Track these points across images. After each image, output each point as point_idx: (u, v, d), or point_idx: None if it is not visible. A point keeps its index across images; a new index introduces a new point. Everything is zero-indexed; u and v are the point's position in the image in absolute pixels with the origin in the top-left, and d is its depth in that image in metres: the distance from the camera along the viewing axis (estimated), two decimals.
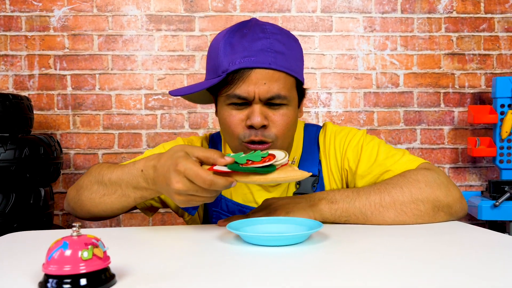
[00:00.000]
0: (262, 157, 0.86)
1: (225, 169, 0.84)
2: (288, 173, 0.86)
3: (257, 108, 1.02)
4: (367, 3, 2.65)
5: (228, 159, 0.84)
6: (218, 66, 1.03)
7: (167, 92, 2.58)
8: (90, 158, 2.58)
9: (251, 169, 0.84)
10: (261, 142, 1.04)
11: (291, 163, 1.15)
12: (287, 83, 1.04)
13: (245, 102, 1.03)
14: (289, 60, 1.04)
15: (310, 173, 0.88)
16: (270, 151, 0.89)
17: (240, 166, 0.84)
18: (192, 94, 1.16)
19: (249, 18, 1.13)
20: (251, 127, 1.02)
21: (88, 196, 1.06)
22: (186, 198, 0.86)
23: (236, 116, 1.04)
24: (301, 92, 1.12)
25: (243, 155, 0.86)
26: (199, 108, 2.60)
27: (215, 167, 0.84)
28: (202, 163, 0.87)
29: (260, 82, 1.00)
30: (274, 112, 1.04)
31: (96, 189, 1.04)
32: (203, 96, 1.18)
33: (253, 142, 1.04)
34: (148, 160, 0.94)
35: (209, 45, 1.11)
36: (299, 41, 1.11)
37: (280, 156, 0.88)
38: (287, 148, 1.14)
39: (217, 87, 1.06)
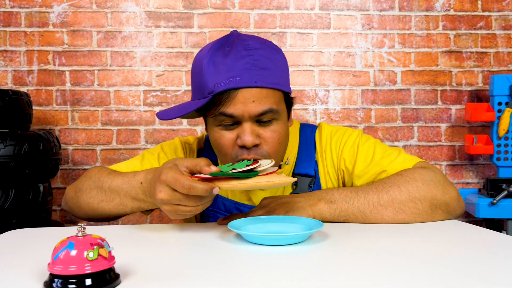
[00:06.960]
0: (247, 165, 0.86)
1: (207, 176, 0.84)
2: (270, 178, 0.84)
3: (247, 126, 1.00)
4: (365, 1, 2.65)
5: (213, 168, 0.84)
6: (203, 87, 1.01)
7: (166, 89, 2.59)
8: (89, 154, 2.59)
9: (231, 174, 0.83)
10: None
11: (286, 163, 1.16)
12: (276, 98, 1.02)
13: (234, 122, 1.01)
14: (275, 75, 1.02)
15: (295, 179, 0.85)
16: (255, 159, 0.88)
17: (223, 173, 0.84)
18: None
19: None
20: (243, 146, 1.01)
21: (86, 200, 1.07)
22: (171, 208, 0.86)
23: (227, 137, 1.03)
24: (289, 102, 1.11)
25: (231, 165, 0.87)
26: None
27: (198, 175, 0.85)
28: (193, 173, 0.87)
29: (248, 101, 0.98)
30: (265, 129, 1.02)
31: (95, 194, 1.05)
32: (194, 113, 1.16)
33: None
34: (148, 173, 0.96)
35: (194, 58, 1.09)
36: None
37: (264, 162, 0.86)
38: (281, 159, 1.13)
39: (204, 108, 1.04)
